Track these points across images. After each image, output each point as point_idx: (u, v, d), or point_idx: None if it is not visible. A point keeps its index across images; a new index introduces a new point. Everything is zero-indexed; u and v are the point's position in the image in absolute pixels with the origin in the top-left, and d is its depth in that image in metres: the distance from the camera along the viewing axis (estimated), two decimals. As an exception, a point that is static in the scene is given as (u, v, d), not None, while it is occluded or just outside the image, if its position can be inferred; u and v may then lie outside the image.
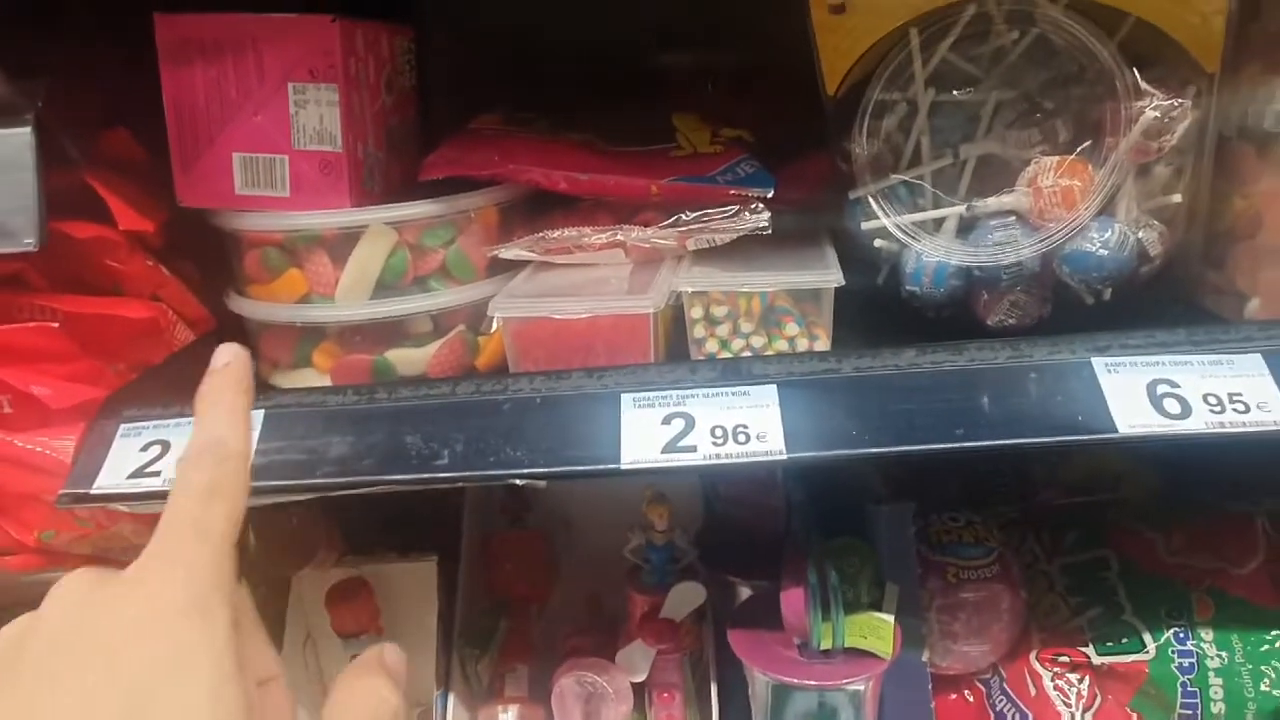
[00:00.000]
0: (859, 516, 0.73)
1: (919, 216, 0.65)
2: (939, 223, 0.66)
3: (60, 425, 0.59)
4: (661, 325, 0.64)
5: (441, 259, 0.67)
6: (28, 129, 0.56)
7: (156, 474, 0.54)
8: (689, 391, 0.54)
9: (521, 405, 0.55)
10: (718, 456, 0.51)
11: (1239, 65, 0.64)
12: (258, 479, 0.53)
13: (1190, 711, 0.70)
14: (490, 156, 0.67)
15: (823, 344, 0.63)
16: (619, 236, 0.65)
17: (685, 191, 0.65)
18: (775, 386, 0.54)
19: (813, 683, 0.64)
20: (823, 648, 0.64)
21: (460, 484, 0.52)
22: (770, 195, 0.64)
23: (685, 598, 0.74)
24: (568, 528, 0.94)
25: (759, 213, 0.63)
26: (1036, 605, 0.78)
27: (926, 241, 0.65)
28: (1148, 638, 0.72)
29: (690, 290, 0.62)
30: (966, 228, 0.65)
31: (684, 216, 0.64)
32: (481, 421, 0.55)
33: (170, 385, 0.63)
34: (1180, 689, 0.70)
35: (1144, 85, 0.59)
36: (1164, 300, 0.70)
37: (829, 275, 0.61)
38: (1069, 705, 0.72)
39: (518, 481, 0.52)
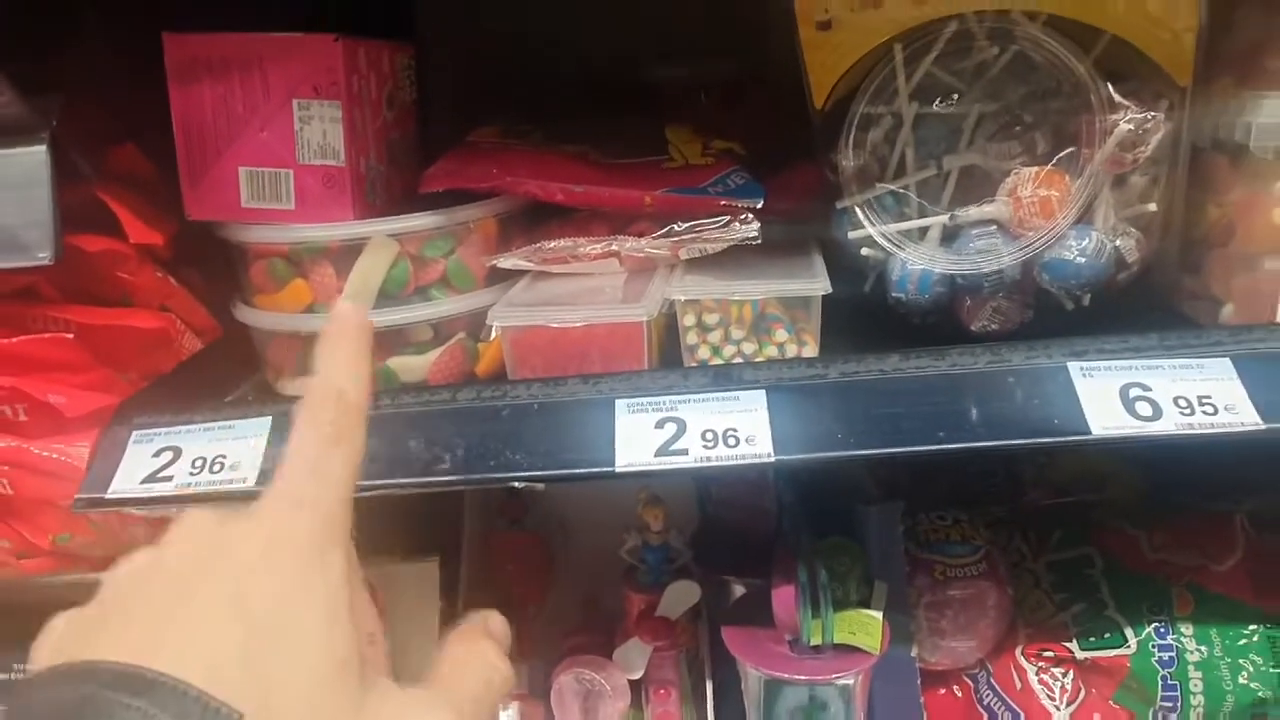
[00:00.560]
0: (849, 517, 0.75)
1: (904, 226, 0.67)
2: (924, 231, 0.68)
3: (75, 433, 0.61)
4: (655, 332, 0.66)
5: (442, 269, 0.69)
6: (43, 147, 0.58)
7: (169, 479, 0.56)
8: (681, 397, 0.56)
9: (520, 411, 0.57)
10: (708, 459, 0.53)
11: (1212, 78, 0.66)
12: (264, 483, 0.55)
13: (1170, 704, 0.72)
14: (488, 169, 0.70)
15: (811, 350, 0.65)
16: (614, 247, 0.67)
17: (678, 203, 0.67)
18: (764, 392, 0.56)
19: (803, 678, 0.66)
20: (813, 644, 0.66)
21: (462, 487, 0.54)
22: (760, 206, 0.66)
23: (680, 596, 0.76)
24: (565, 530, 0.96)
25: (749, 223, 0.65)
26: (1023, 602, 0.80)
27: (911, 250, 0.67)
28: (1129, 633, 0.74)
29: (683, 299, 0.64)
30: (950, 236, 0.68)
31: (676, 227, 0.66)
32: (482, 427, 0.57)
33: (180, 393, 0.65)
34: (1160, 682, 0.72)
35: (1119, 99, 0.62)
36: (1143, 305, 0.73)
37: (816, 283, 0.64)
38: (1053, 699, 0.74)
39: (517, 484, 0.54)
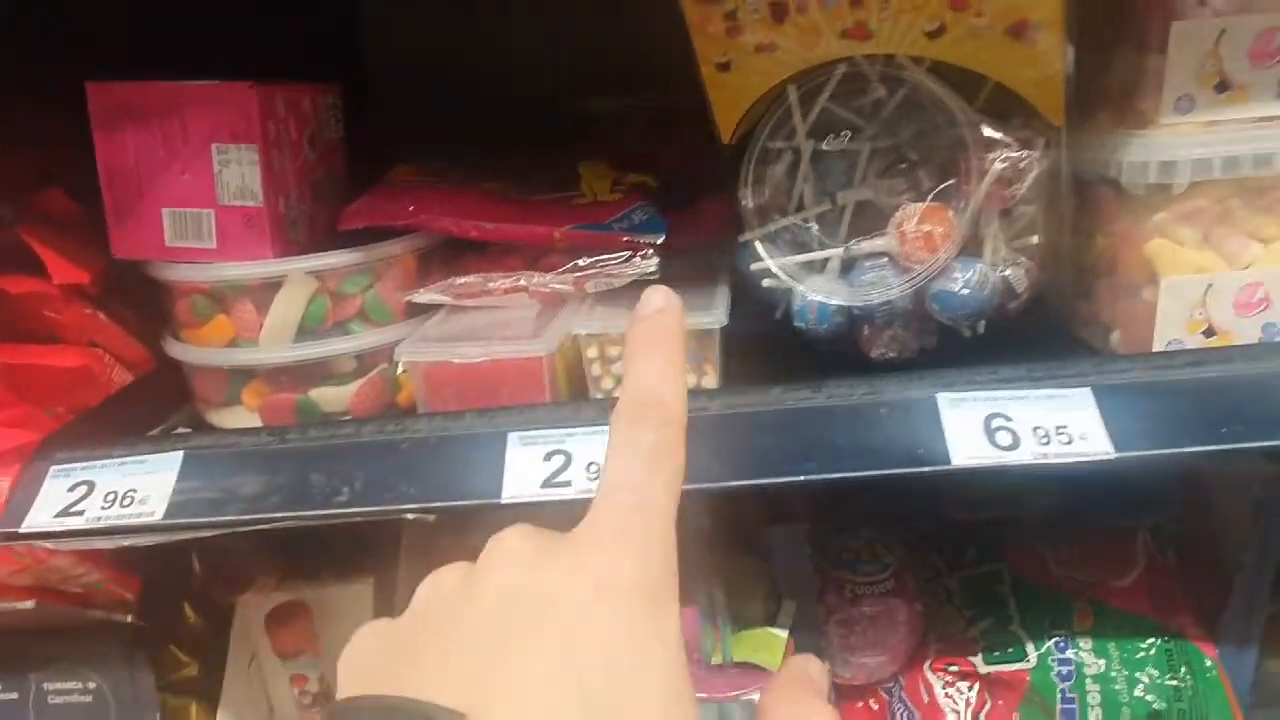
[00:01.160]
0: (757, 537, 0.77)
1: (800, 258, 0.70)
2: (825, 263, 0.71)
3: (-4, 468, 0.64)
4: (563, 364, 0.69)
5: (360, 304, 0.72)
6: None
7: (81, 513, 0.58)
8: (571, 430, 0.59)
9: (419, 444, 0.60)
10: (589, 491, 0.56)
11: (1093, 115, 0.69)
12: (171, 517, 0.58)
13: (1069, 717, 0.74)
14: (405, 207, 0.72)
15: (711, 380, 0.68)
16: (521, 282, 0.70)
17: (583, 238, 0.70)
18: (649, 424, 0.58)
19: (705, 695, 0.68)
20: (714, 662, 0.69)
21: (358, 519, 0.57)
22: (660, 241, 0.69)
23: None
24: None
25: (649, 259, 0.68)
26: (936, 617, 0.83)
27: (808, 282, 0.69)
28: (1030, 647, 0.76)
29: (585, 333, 0.67)
30: (848, 268, 0.70)
31: (580, 263, 0.69)
32: (382, 460, 0.59)
33: (105, 426, 0.68)
34: (1060, 695, 0.75)
35: (999, 137, 0.64)
36: (1042, 330, 0.75)
37: (711, 317, 0.66)
38: (958, 713, 0.76)
39: (409, 515, 0.56)
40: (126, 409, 0.72)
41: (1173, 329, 0.65)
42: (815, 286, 0.69)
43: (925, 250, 0.65)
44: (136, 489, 0.59)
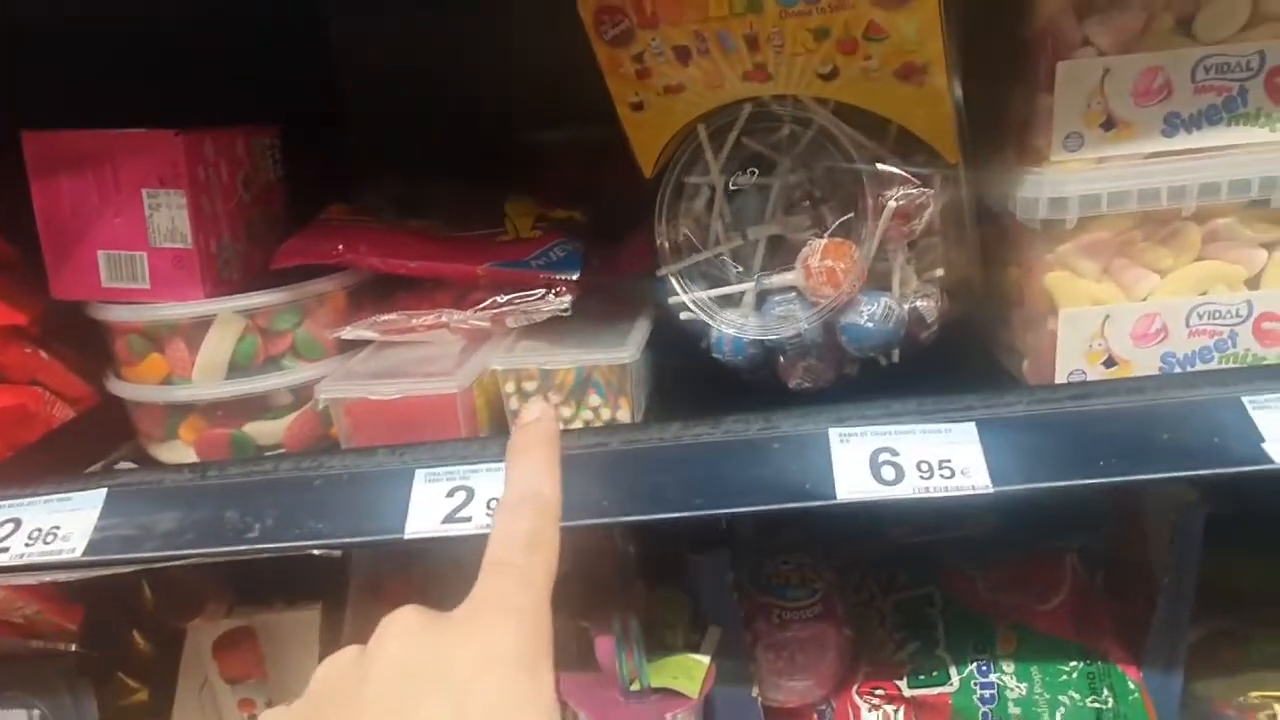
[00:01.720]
0: (682, 564, 0.79)
1: (713, 293, 0.72)
2: (743, 296, 0.73)
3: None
4: (484, 398, 0.71)
5: (291, 340, 0.74)
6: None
7: (6, 550, 0.61)
8: (475, 466, 0.61)
9: (331, 481, 0.62)
10: (487, 526, 0.57)
11: (1000, 150, 0.70)
12: (92, 553, 0.60)
13: (990, 740, 0.75)
14: (334, 246, 0.75)
15: (625, 414, 0.70)
16: (443, 319, 0.72)
17: (504, 275, 0.72)
18: (550, 460, 0.60)
19: (622, 721, 0.70)
20: (632, 689, 0.70)
21: (267, 555, 0.59)
22: (575, 278, 0.71)
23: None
24: (460, 571, 1.01)
25: (562, 295, 0.70)
26: (868, 640, 0.84)
27: (721, 315, 0.71)
28: (953, 671, 0.78)
29: (501, 368, 0.69)
30: (762, 301, 0.72)
31: (500, 299, 0.71)
32: (294, 497, 0.61)
33: (36, 464, 0.71)
34: (981, 718, 0.76)
35: (897, 173, 0.66)
36: (966, 358, 0.77)
37: (625, 352, 0.68)
38: (883, 735, 0.78)
39: (315, 551, 0.58)
40: (66, 445, 0.75)
41: (1074, 359, 0.66)
42: (727, 320, 0.71)
43: (829, 285, 0.66)
44: (60, 526, 0.62)
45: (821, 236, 0.68)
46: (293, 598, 0.91)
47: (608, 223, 0.86)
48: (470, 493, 0.59)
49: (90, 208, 0.71)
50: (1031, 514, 0.89)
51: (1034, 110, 0.64)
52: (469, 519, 0.58)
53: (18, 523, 0.62)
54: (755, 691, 0.79)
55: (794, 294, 0.69)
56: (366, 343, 0.77)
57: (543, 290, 0.71)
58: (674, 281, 0.72)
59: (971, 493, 0.55)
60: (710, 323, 0.71)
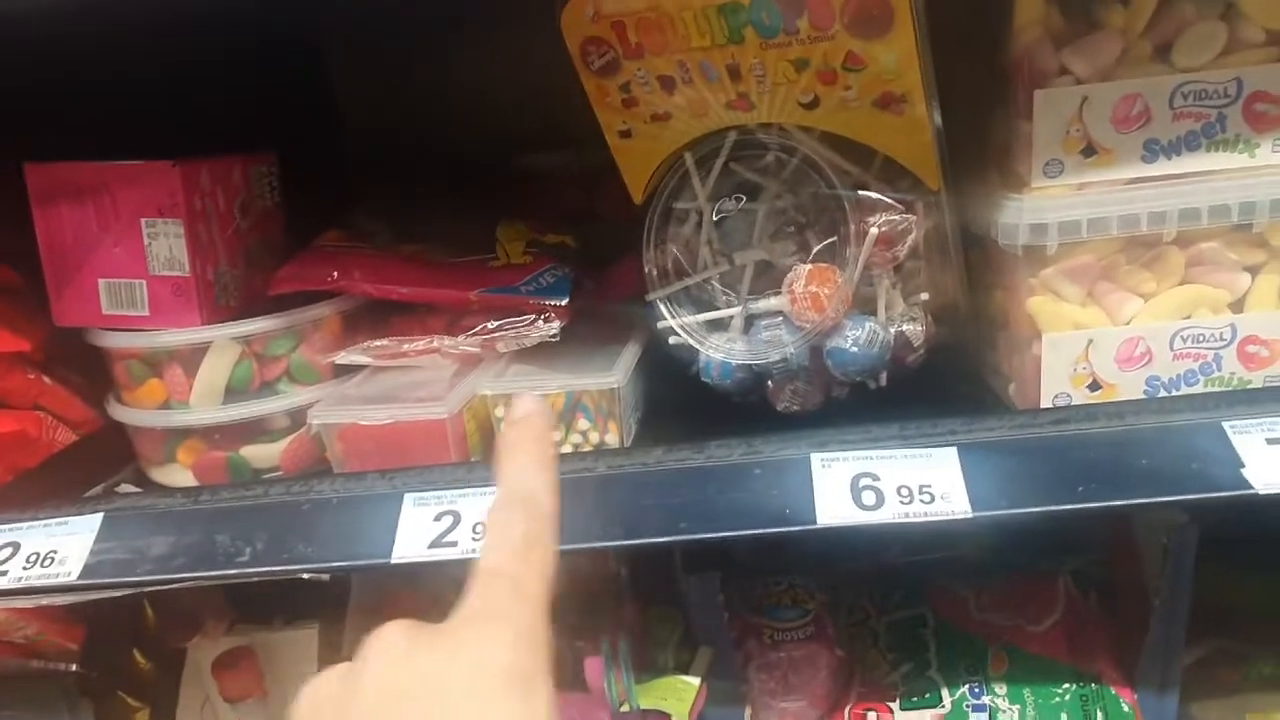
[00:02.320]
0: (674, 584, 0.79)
1: (701, 317, 0.72)
2: (731, 320, 0.73)
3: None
4: (475, 423, 0.72)
5: (286, 365, 0.75)
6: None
7: (5, 573, 0.62)
8: (463, 491, 0.62)
9: (320, 505, 0.63)
10: (475, 550, 0.58)
11: (983, 175, 0.71)
12: (87, 577, 0.61)
13: (982, 761, 0.75)
14: (329, 272, 0.76)
15: (614, 437, 0.70)
16: (434, 344, 0.73)
17: (495, 301, 0.73)
18: (535, 485, 0.61)
19: (611, 743, 0.70)
20: (622, 710, 0.71)
21: (257, 578, 0.60)
22: (564, 304, 0.72)
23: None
24: (459, 590, 1.02)
25: (551, 321, 0.71)
26: (861, 661, 0.84)
27: (707, 340, 0.72)
28: (945, 693, 0.78)
29: (490, 392, 0.70)
30: (749, 326, 0.73)
31: (490, 325, 0.72)
32: (284, 521, 0.62)
33: (37, 488, 0.72)
34: (973, 741, 0.76)
35: (880, 199, 0.67)
36: (957, 380, 0.77)
37: (612, 377, 0.69)
38: (875, 757, 0.78)
39: (304, 575, 0.59)
40: (68, 468, 0.76)
41: (1058, 383, 0.67)
42: (715, 344, 0.71)
43: (813, 310, 0.67)
44: (57, 550, 0.63)
45: (806, 262, 0.69)
46: (293, 617, 0.92)
47: (606, 246, 0.87)
48: (457, 517, 0.60)
49: (91, 237, 0.73)
50: (1025, 535, 0.89)
51: (1014, 137, 0.65)
52: (455, 543, 0.59)
53: (16, 546, 0.64)
54: (748, 713, 0.79)
55: (780, 319, 0.70)
56: (362, 366, 0.78)
57: (533, 316, 0.72)
58: (662, 306, 0.73)
59: (951, 518, 0.56)
60: (698, 347, 0.72)
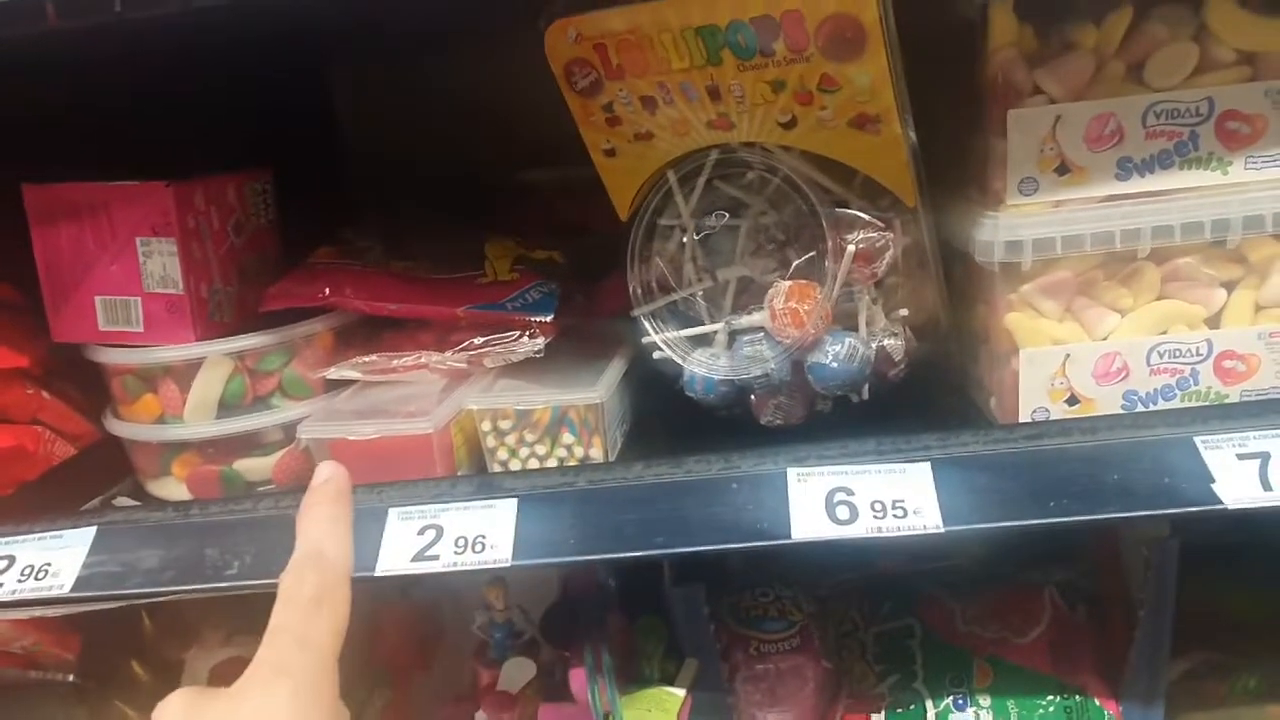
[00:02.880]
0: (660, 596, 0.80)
1: (685, 333, 0.74)
2: (715, 335, 0.74)
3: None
4: (463, 437, 0.73)
5: (278, 380, 0.77)
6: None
7: (0, 586, 0.63)
8: (445, 505, 0.63)
9: (308, 519, 0.64)
10: (456, 565, 0.59)
11: (963, 192, 0.72)
12: (79, 589, 0.63)
13: (965, 773, 0.76)
14: (320, 289, 0.77)
15: (598, 451, 0.71)
16: (423, 360, 0.74)
17: (482, 317, 0.74)
18: (516, 500, 0.62)
19: (596, 754, 0.71)
20: (606, 721, 0.72)
21: (246, 591, 0.61)
22: (549, 319, 0.73)
23: (516, 672, 0.82)
24: (453, 598, 1.03)
25: (535, 337, 0.72)
26: (849, 672, 0.85)
27: (691, 355, 0.73)
28: (929, 704, 0.78)
29: (476, 407, 0.71)
30: (733, 341, 0.74)
31: (476, 341, 0.73)
32: (274, 535, 0.63)
33: (35, 501, 0.74)
34: (956, 752, 0.76)
35: (858, 217, 0.67)
36: (937, 394, 0.78)
37: (595, 392, 0.70)
38: (860, 768, 0.78)
39: (290, 589, 0.61)
40: (67, 481, 0.78)
41: (1036, 397, 0.67)
42: (698, 360, 0.72)
43: (793, 325, 0.68)
44: (51, 563, 0.64)
45: (786, 278, 0.70)
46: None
47: (601, 259, 0.88)
48: (440, 531, 0.61)
49: (88, 255, 0.75)
50: (1014, 546, 0.89)
51: (990, 155, 0.65)
52: (437, 557, 0.60)
53: (12, 559, 0.65)
54: (734, 723, 0.80)
55: (762, 334, 0.71)
56: (353, 381, 0.79)
57: (518, 332, 0.73)
58: (646, 322, 0.74)
59: (923, 533, 0.56)
60: (681, 363, 0.73)
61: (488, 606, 0.85)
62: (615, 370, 0.75)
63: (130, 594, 0.62)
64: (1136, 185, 0.63)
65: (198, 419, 0.75)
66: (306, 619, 0.37)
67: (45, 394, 0.78)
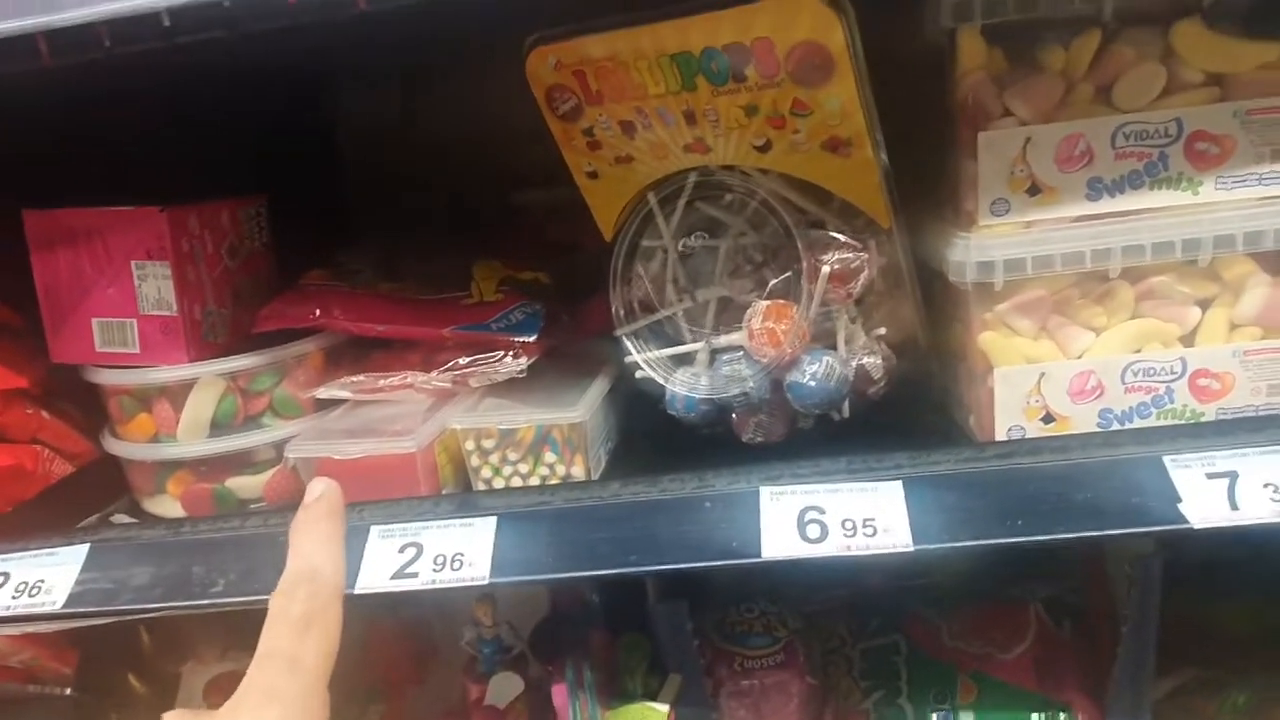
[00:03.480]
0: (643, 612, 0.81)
1: (666, 352, 0.75)
2: (696, 355, 0.75)
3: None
4: (447, 456, 0.75)
5: (269, 400, 0.78)
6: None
7: (-5, 602, 0.65)
8: (426, 524, 0.64)
9: (292, 537, 0.65)
10: (434, 581, 0.61)
11: (938, 213, 0.73)
12: (71, 606, 0.64)
13: (949, 789, 0.76)
14: (310, 311, 0.79)
15: (579, 470, 0.72)
16: (409, 379, 0.75)
17: (467, 338, 0.76)
18: (495, 518, 0.63)
19: (578, 769, 0.72)
20: (587, 737, 0.72)
21: (229, 609, 0.63)
22: (533, 340, 0.74)
23: (504, 687, 0.83)
24: (447, 614, 1.04)
25: (519, 358, 0.73)
26: (835, 688, 0.85)
27: (673, 374, 0.74)
28: (913, 720, 0.78)
29: (460, 426, 0.72)
30: (714, 360, 0.75)
31: (460, 361, 0.75)
32: (258, 553, 0.65)
33: (33, 518, 0.75)
34: (940, 769, 0.76)
35: (833, 238, 0.68)
36: (917, 412, 0.79)
37: (576, 412, 0.71)
38: (844, 784, 0.79)
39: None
40: (65, 499, 0.79)
41: (1012, 416, 0.68)
42: (678, 379, 0.73)
43: (770, 345, 0.69)
44: (44, 579, 0.66)
45: (763, 298, 0.71)
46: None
47: (592, 278, 0.89)
48: (419, 549, 0.62)
49: (85, 278, 0.77)
50: (999, 562, 0.89)
51: (962, 176, 0.66)
52: (415, 574, 0.61)
53: (6, 576, 0.67)
54: (720, 739, 0.81)
55: (741, 353, 0.72)
56: (342, 400, 0.81)
57: (502, 352, 0.74)
58: (629, 342, 0.75)
59: (892, 551, 0.57)
60: (662, 382, 0.74)
61: (476, 622, 0.86)
62: (598, 390, 0.76)
63: (120, 611, 0.63)
64: (1107, 205, 0.64)
65: (190, 438, 0.77)
66: (297, 641, 0.37)
67: (45, 414, 0.80)
